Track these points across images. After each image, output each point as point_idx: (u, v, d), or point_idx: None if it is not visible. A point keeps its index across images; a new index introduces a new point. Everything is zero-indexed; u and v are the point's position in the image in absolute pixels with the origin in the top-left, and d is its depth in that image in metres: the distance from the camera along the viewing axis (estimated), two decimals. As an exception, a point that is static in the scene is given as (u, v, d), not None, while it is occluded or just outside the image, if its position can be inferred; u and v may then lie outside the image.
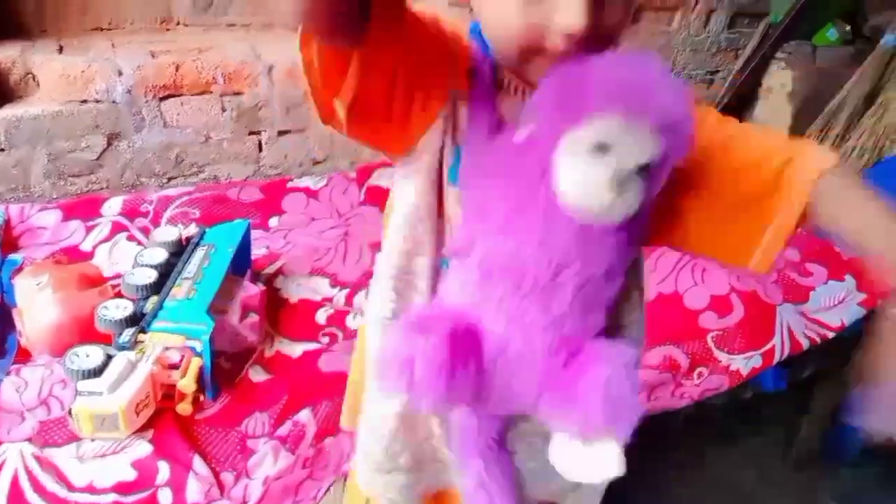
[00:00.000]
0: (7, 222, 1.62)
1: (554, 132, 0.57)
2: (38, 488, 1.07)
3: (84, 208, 1.72)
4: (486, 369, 0.61)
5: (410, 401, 0.67)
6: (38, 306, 1.32)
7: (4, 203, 1.68)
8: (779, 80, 2.66)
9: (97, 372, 1.13)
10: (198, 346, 1.23)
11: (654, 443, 1.65)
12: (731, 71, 2.72)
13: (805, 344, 1.55)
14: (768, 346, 1.52)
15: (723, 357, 1.51)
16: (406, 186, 0.69)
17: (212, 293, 1.32)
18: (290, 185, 2.00)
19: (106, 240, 1.67)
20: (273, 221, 1.87)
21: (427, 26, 0.62)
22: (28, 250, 1.59)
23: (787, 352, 1.52)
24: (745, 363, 1.50)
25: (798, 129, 2.54)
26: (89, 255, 1.63)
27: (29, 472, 1.08)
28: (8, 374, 1.28)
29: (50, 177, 1.74)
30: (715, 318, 1.58)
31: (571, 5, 0.54)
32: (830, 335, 1.59)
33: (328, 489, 1.17)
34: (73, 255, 1.61)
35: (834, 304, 1.63)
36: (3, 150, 1.64)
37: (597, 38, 0.57)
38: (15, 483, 1.07)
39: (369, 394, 0.85)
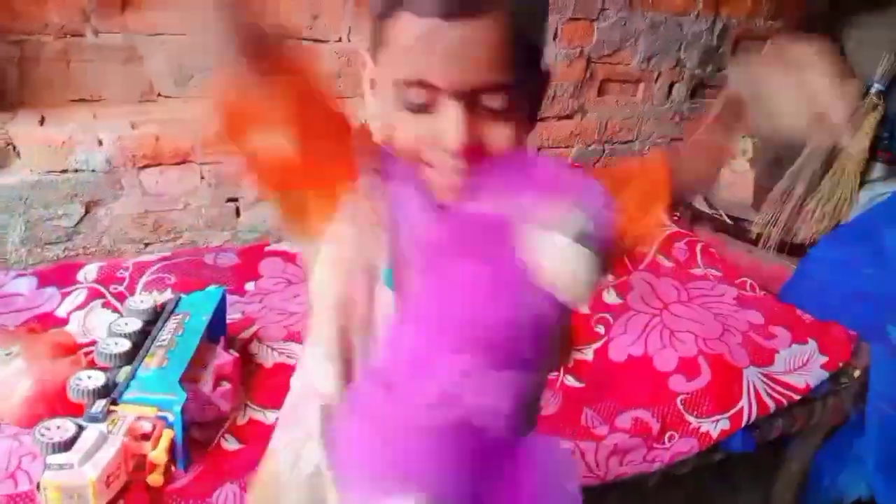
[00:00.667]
0: (-20, 290, 1.62)
1: (524, 214, 0.61)
2: (2, 568, 1.04)
3: (60, 275, 1.72)
4: None
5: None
6: (9, 377, 1.31)
7: (-23, 271, 1.68)
8: (741, 146, 2.79)
9: (68, 444, 1.12)
10: (170, 416, 1.23)
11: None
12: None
13: (771, 406, 1.58)
14: (736, 409, 1.55)
15: (692, 420, 1.54)
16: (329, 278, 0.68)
17: (184, 362, 1.33)
18: (267, 248, 2.03)
19: (81, 306, 1.67)
20: (249, 286, 1.89)
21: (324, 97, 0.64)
22: (1, 318, 1.58)
23: (754, 414, 1.55)
24: (713, 426, 1.53)
25: (760, 192, 2.65)
26: (64, 322, 1.62)
27: (-8, 553, 1.06)
28: (-25, 449, 1.26)
29: (26, 244, 1.75)
30: (683, 380, 1.62)
31: (452, 128, 0.59)
32: (796, 397, 1.63)
33: (299, 562, 1.15)
34: (48, 321, 1.60)
35: (798, 367, 1.67)
36: (-21, 218, 1.66)
37: (488, 152, 0.62)
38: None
39: None
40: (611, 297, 1.88)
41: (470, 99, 0.60)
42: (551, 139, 2.52)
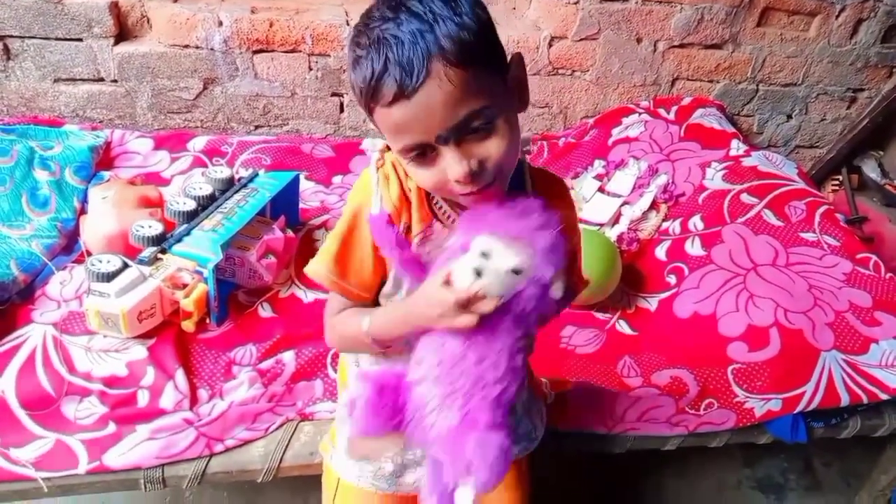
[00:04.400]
0: (108, 144, 1.86)
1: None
2: (47, 364, 1.24)
3: (173, 141, 1.93)
4: (404, 415, 0.79)
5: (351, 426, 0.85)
6: (98, 216, 1.51)
7: (112, 128, 1.92)
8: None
9: (110, 277, 1.28)
10: (205, 272, 1.35)
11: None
12: (881, 91, 2.39)
13: (844, 399, 1.36)
14: (795, 392, 1.36)
15: (739, 393, 1.37)
16: None
17: (234, 230, 1.43)
18: (362, 147, 2.09)
19: (184, 171, 1.86)
20: (336, 179, 1.98)
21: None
22: (118, 170, 1.82)
23: (817, 403, 1.35)
24: (760, 404, 1.35)
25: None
26: (167, 182, 1.83)
27: (45, 351, 1.27)
28: (63, 268, 1.49)
29: (152, 110, 1.96)
30: (745, 350, 1.44)
31: (452, 165, 0.71)
32: (884, 397, 1.38)
33: (281, 426, 1.24)
34: (154, 179, 1.81)
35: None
36: (115, 81, 1.89)
37: (489, 172, 0.73)
38: (31, 356, 1.25)
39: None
40: (693, 248, 1.70)
41: (456, 137, 0.70)
42: (691, 70, 2.26)
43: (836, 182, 2.53)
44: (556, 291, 0.74)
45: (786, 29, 2.25)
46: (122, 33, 1.86)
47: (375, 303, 0.90)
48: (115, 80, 1.89)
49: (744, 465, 1.99)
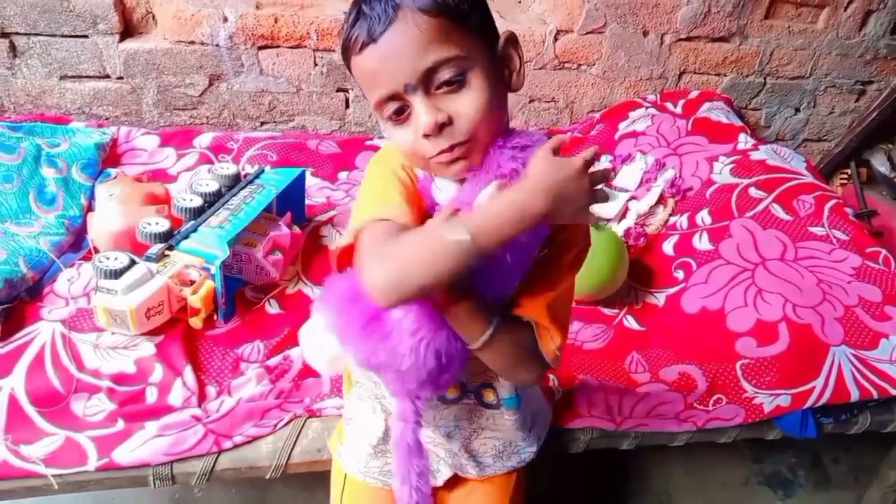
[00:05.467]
0: (114, 141, 1.86)
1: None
2: (56, 362, 1.25)
3: (179, 138, 1.93)
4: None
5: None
6: (105, 213, 1.51)
7: (118, 125, 1.93)
8: (946, 100, 2.28)
9: (118, 274, 1.29)
10: (212, 269, 1.35)
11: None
12: (890, 83, 2.37)
13: (854, 395, 1.35)
14: (804, 388, 1.35)
15: (748, 388, 1.37)
16: None
17: (241, 226, 1.43)
18: (368, 143, 2.09)
19: (190, 168, 1.86)
20: (342, 175, 1.97)
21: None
22: (124, 167, 1.82)
23: (826, 398, 1.34)
24: (769, 399, 1.35)
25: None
26: (173, 179, 1.83)
27: (53, 348, 1.27)
28: (71, 265, 1.50)
29: (158, 107, 1.96)
30: (754, 345, 1.43)
31: (421, 115, 0.71)
32: (894, 392, 1.37)
33: (289, 422, 1.24)
34: (161, 177, 1.82)
35: (907, 358, 1.40)
36: (121, 77, 1.89)
37: (460, 129, 0.72)
38: (40, 353, 1.26)
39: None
40: (701, 242, 1.69)
41: (425, 86, 0.70)
42: (698, 63, 2.24)
43: (845, 176, 2.51)
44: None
45: (794, 21, 2.23)
46: (128, 30, 1.86)
47: None
48: (121, 77, 1.89)
49: (752, 460, 1.98)
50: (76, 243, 1.59)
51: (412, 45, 0.68)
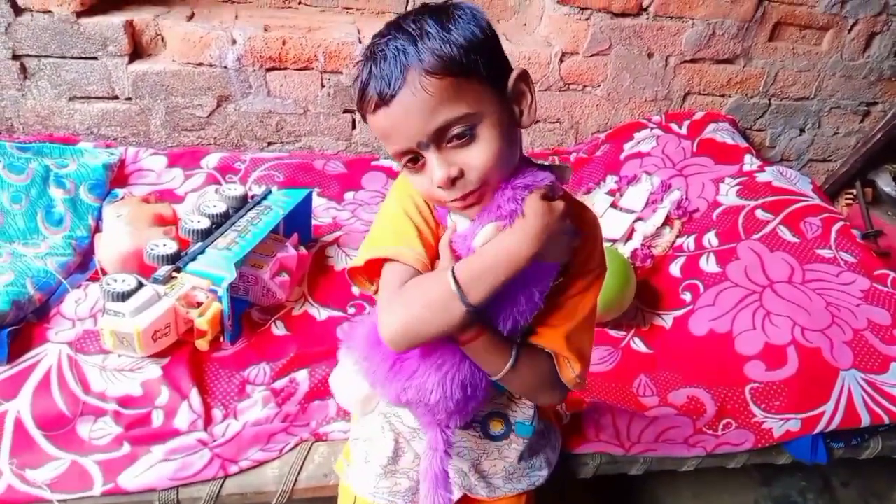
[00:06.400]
0: (122, 161, 1.87)
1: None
2: (62, 384, 1.24)
3: (187, 158, 1.94)
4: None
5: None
6: (113, 234, 1.52)
7: (126, 145, 1.94)
8: (951, 120, 2.29)
9: (125, 296, 1.29)
10: (219, 291, 1.35)
11: None
12: (895, 104, 2.38)
13: (865, 420, 1.34)
14: (815, 412, 1.34)
15: (757, 413, 1.36)
16: None
17: (248, 248, 1.43)
18: (374, 163, 2.09)
19: (197, 189, 1.87)
20: (348, 195, 1.98)
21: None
22: (132, 188, 1.83)
23: (836, 423, 1.33)
24: (779, 424, 1.34)
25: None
26: (181, 199, 1.83)
27: (60, 371, 1.27)
28: (78, 287, 1.50)
29: (166, 127, 1.97)
30: (762, 369, 1.42)
31: (434, 169, 0.74)
32: (905, 417, 1.36)
33: (295, 446, 1.23)
34: (168, 197, 1.82)
35: (918, 383, 1.39)
36: (129, 99, 1.90)
37: (471, 179, 0.74)
38: (46, 376, 1.25)
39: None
40: (708, 265, 1.68)
41: (437, 142, 0.73)
42: (703, 85, 2.25)
43: (850, 196, 2.51)
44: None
45: (798, 43, 2.25)
46: (137, 52, 1.87)
47: None
48: (130, 98, 1.90)
49: (761, 483, 1.96)
50: (83, 264, 1.59)
51: (422, 108, 0.71)
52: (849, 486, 1.98)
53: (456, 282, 0.72)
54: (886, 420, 1.35)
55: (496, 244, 0.73)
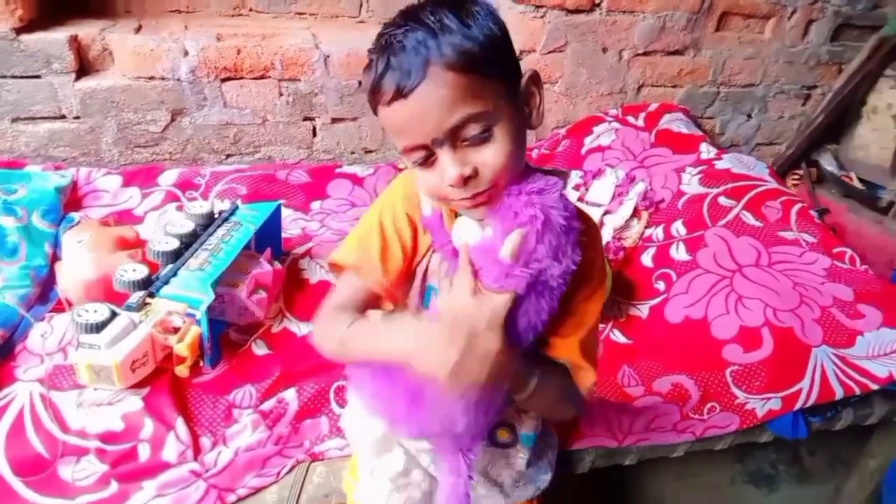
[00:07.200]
0: (74, 183, 1.78)
1: None
2: (37, 425, 1.17)
3: (143, 176, 1.86)
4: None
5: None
6: (75, 262, 1.44)
7: (77, 166, 1.85)
8: (886, 100, 2.41)
9: (99, 327, 1.23)
10: (197, 314, 1.31)
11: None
12: (832, 87, 2.49)
13: (839, 392, 1.40)
14: (793, 390, 1.39)
15: (739, 395, 1.40)
16: None
17: (222, 267, 1.39)
18: (338, 170, 2.06)
19: (157, 207, 1.80)
20: (315, 205, 1.94)
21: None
22: (88, 210, 1.75)
23: (814, 398, 1.39)
24: (761, 404, 1.38)
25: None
26: (140, 220, 1.76)
27: (33, 410, 1.20)
28: (41, 319, 1.42)
29: (118, 145, 1.89)
30: (740, 351, 1.47)
31: (447, 168, 0.72)
32: (874, 387, 1.43)
33: (291, 469, 1.21)
34: (127, 218, 1.74)
35: (883, 353, 1.46)
36: (78, 117, 1.81)
37: (484, 179, 0.73)
38: (19, 417, 1.18)
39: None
40: (678, 253, 1.73)
41: (451, 140, 0.72)
42: (655, 76, 2.30)
43: (797, 177, 2.62)
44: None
45: (743, 32, 2.33)
46: (84, 68, 1.79)
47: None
48: (78, 117, 1.81)
49: (736, 460, 2.03)
50: (43, 295, 1.51)
51: (441, 103, 0.69)
52: (816, 455, 2.09)
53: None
54: (857, 391, 1.42)
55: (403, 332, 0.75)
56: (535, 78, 0.78)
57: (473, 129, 0.71)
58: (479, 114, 0.70)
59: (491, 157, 0.73)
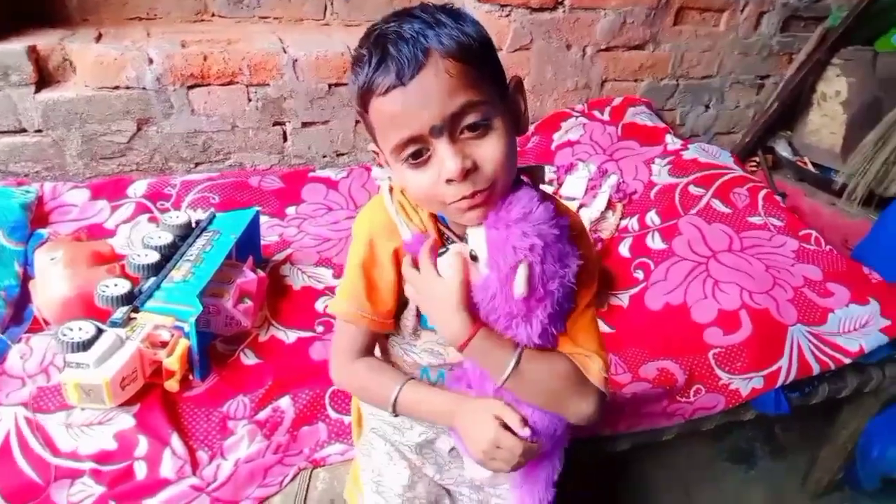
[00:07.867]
0: (40, 199, 1.72)
1: None
2: (26, 451, 1.13)
3: (111, 189, 1.81)
4: None
5: None
6: (50, 280, 1.40)
7: (40, 181, 1.78)
8: (834, 87, 2.52)
9: (86, 346, 1.19)
10: (185, 327, 1.28)
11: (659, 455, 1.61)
12: (783, 76, 2.59)
13: (815, 368, 1.47)
14: (773, 368, 1.45)
15: (723, 376, 1.45)
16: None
17: (207, 278, 1.37)
18: (311, 174, 2.04)
19: (128, 220, 1.75)
20: (290, 210, 1.92)
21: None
22: (56, 226, 1.69)
23: (793, 375, 1.45)
24: (745, 384, 1.44)
25: (851, 139, 2.39)
26: (111, 233, 1.71)
27: (20, 435, 1.16)
28: (18, 341, 1.37)
29: (83, 157, 1.83)
30: (720, 334, 1.52)
31: (447, 160, 0.70)
32: (847, 361, 1.50)
33: (294, 477, 1.19)
34: (97, 232, 1.70)
35: (853, 329, 1.53)
36: (40, 130, 1.75)
37: (484, 175, 0.72)
38: (6, 443, 1.14)
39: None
40: (654, 242, 1.78)
41: (451, 130, 0.71)
42: (618, 71, 2.36)
43: (754, 163, 2.72)
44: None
45: (699, 25, 2.40)
46: (44, 79, 1.72)
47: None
48: (40, 130, 1.75)
49: (714, 438, 2.10)
50: (17, 315, 1.45)
51: (442, 89, 0.69)
52: (789, 430, 2.17)
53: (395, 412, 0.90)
54: (832, 366, 1.49)
55: (464, 416, 0.86)
56: (519, 85, 0.79)
57: (473, 118, 0.70)
58: (479, 101, 0.70)
59: (490, 150, 0.72)
